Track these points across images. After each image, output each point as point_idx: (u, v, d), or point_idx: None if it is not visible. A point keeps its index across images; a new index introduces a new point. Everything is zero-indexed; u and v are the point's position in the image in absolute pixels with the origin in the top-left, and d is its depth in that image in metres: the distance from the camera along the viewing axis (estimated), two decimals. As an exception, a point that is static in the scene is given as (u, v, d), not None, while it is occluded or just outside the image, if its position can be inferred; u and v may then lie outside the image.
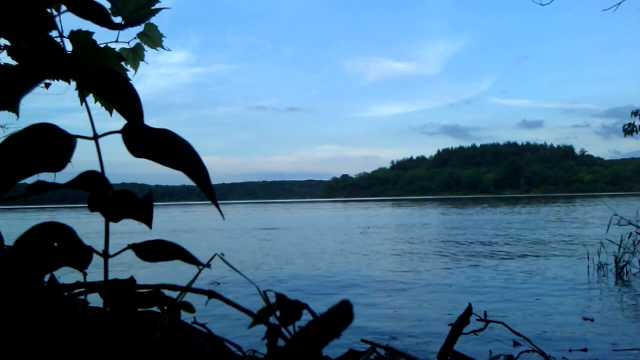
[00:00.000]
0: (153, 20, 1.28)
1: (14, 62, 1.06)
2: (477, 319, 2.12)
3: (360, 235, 15.01)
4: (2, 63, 1.10)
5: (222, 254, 0.93)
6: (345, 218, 27.58)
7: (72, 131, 0.69)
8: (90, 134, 0.71)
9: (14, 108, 1.15)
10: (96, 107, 1.19)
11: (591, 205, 37.14)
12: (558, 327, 4.14)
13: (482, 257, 9.04)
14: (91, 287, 0.84)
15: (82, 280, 0.85)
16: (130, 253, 0.76)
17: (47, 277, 0.88)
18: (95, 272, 0.81)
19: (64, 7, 0.87)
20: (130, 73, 1.42)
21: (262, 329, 0.82)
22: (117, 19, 1.00)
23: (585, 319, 4.44)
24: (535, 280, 6.49)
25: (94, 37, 1.09)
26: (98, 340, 0.65)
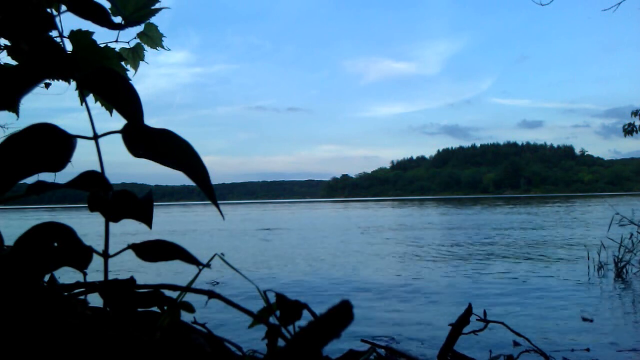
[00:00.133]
0: (153, 20, 1.28)
1: (14, 62, 1.06)
2: (477, 319, 2.12)
3: (361, 235, 15.01)
4: (2, 63, 1.10)
5: (222, 254, 0.93)
6: (346, 218, 27.59)
7: (72, 131, 0.69)
8: (90, 134, 0.71)
9: (14, 108, 1.15)
10: (96, 107, 1.19)
11: (591, 205, 37.15)
12: (558, 327, 4.14)
13: (482, 258, 9.04)
14: (91, 287, 0.84)
15: (82, 280, 0.85)
16: (130, 253, 0.76)
17: (47, 277, 0.88)
18: (95, 273, 0.81)
19: (64, 7, 0.87)
20: (130, 73, 1.42)
21: (262, 329, 0.82)
22: (117, 19, 1.00)
23: (584, 319, 4.44)
24: (535, 280, 6.49)
25: (94, 37, 1.09)
26: (98, 340, 0.65)
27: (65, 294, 0.85)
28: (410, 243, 12.17)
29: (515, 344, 3.52)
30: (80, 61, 1.08)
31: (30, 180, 0.64)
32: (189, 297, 0.83)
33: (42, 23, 0.81)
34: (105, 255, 0.73)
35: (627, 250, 7.08)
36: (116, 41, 1.27)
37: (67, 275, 1.03)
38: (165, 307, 0.80)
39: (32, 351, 0.62)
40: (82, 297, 0.87)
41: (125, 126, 0.71)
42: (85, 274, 0.79)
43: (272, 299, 0.84)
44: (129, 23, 1.05)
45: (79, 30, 1.07)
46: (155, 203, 0.77)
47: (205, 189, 0.72)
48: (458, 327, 1.65)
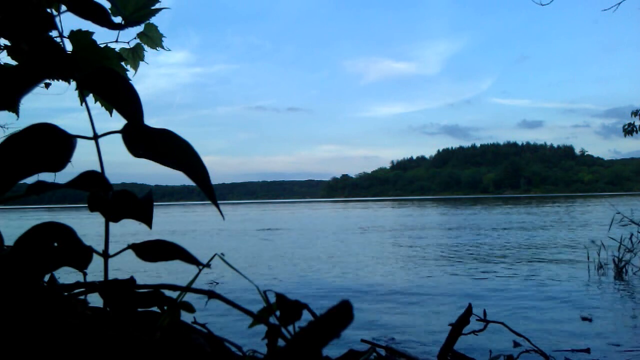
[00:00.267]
0: (153, 20, 1.28)
1: (14, 62, 1.06)
2: (477, 319, 2.12)
3: (361, 236, 15.00)
4: (2, 63, 1.10)
5: (222, 254, 0.93)
6: (346, 218, 27.59)
7: (72, 131, 0.69)
8: (90, 134, 0.71)
9: (14, 108, 1.15)
10: (96, 107, 1.19)
11: (591, 205, 37.15)
12: (558, 327, 4.14)
13: (482, 258, 9.04)
14: (91, 287, 0.84)
15: (82, 280, 0.85)
16: (130, 253, 0.76)
17: (47, 277, 0.88)
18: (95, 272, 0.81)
19: (64, 7, 0.87)
20: (130, 73, 1.42)
21: (262, 329, 0.82)
22: (117, 19, 1.00)
23: (583, 318, 4.44)
24: (535, 280, 6.49)
25: (94, 37, 1.09)
26: (98, 340, 0.65)
27: (65, 294, 0.85)
28: (410, 244, 12.17)
29: (516, 344, 3.52)
30: (80, 61, 1.08)
31: (30, 180, 0.64)
32: (189, 297, 0.83)
33: (42, 23, 0.81)
34: (105, 255, 0.73)
35: (627, 250, 7.08)
36: (116, 41, 1.27)
37: (67, 275, 1.03)
38: (165, 307, 0.80)
39: (33, 351, 0.62)
40: (82, 297, 0.87)
41: (125, 126, 0.71)
42: (85, 274, 0.79)
43: (272, 299, 0.84)
44: (129, 23, 1.05)
45: (79, 30, 1.07)
46: (155, 203, 0.77)
47: (205, 189, 0.72)
48: (458, 327, 1.65)
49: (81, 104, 1.05)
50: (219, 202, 0.75)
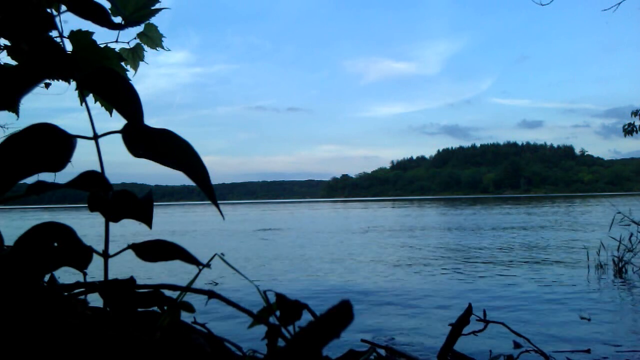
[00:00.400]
0: (153, 20, 1.28)
1: (14, 62, 1.06)
2: (477, 320, 2.12)
3: (361, 236, 15.01)
4: (2, 63, 1.10)
5: (222, 254, 0.93)
6: (345, 219, 27.59)
7: (72, 131, 0.69)
8: (90, 134, 0.71)
9: (14, 108, 1.15)
10: (96, 107, 1.19)
11: (591, 205, 37.15)
12: (558, 327, 4.14)
13: (482, 258, 9.04)
14: (91, 287, 0.84)
15: (82, 280, 0.85)
16: (130, 253, 0.76)
17: (47, 277, 0.88)
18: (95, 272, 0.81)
19: (64, 7, 0.87)
20: (130, 73, 1.42)
21: (262, 329, 0.82)
22: (117, 19, 1.00)
23: (582, 318, 4.44)
24: (535, 280, 6.49)
25: (94, 37, 1.09)
26: (98, 340, 0.65)
27: (65, 294, 0.85)
28: (410, 244, 12.17)
29: (516, 344, 3.52)
30: (80, 61, 1.08)
31: (30, 180, 0.64)
32: (189, 297, 0.83)
33: (42, 23, 0.81)
34: (105, 255, 0.73)
35: (627, 250, 7.08)
36: (116, 41, 1.27)
37: (67, 275, 1.03)
38: (165, 307, 0.80)
39: (33, 351, 0.62)
40: (82, 297, 0.87)
41: (125, 126, 0.71)
42: (85, 274, 0.79)
43: (272, 299, 0.84)
44: (129, 23, 1.05)
45: (79, 30, 1.07)
46: (155, 203, 0.77)
47: (205, 189, 0.72)
48: (458, 327, 1.65)
49: (81, 104, 1.05)
50: (219, 202, 0.75)
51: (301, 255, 10.10)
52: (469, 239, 12.79)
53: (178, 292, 0.83)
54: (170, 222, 27.65)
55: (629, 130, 9.79)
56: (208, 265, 0.78)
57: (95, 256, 0.74)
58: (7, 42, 1.04)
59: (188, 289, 0.84)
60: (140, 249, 0.75)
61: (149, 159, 0.70)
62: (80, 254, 0.71)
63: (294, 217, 31.43)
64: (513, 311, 4.78)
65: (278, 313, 0.82)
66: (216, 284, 6.62)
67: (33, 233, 0.69)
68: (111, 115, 1.26)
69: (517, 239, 12.45)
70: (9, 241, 0.75)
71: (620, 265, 6.92)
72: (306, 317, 0.72)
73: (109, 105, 1.21)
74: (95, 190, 0.70)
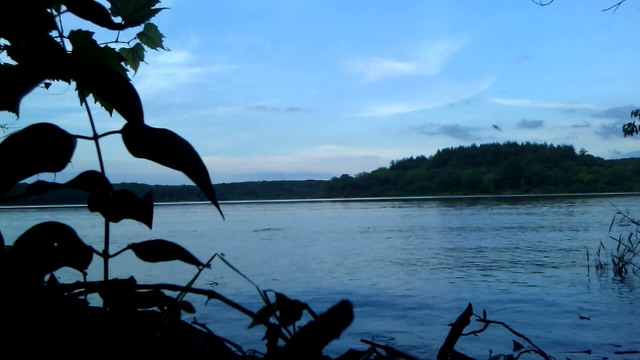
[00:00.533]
0: (153, 20, 1.28)
1: (14, 62, 1.06)
2: (477, 319, 2.12)
3: (360, 236, 15.00)
4: (2, 63, 1.10)
5: (222, 254, 0.93)
6: (345, 219, 27.58)
7: (72, 131, 0.69)
8: (90, 134, 0.71)
9: (14, 108, 1.15)
10: (96, 107, 1.19)
11: (591, 205, 37.14)
12: (558, 327, 4.15)
13: (482, 258, 9.04)
14: (91, 287, 0.84)
15: (82, 280, 0.85)
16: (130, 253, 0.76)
17: (47, 277, 0.88)
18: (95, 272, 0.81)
19: (64, 7, 0.87)
20: (130, 73, 1.42)
21: (262, 329, 0.82)
22: (117, 19, 1.00)
23: (581, 317, 4.45)
24: (535, 281, 6.49)
25: (94, 37, 1.09)
26: (98, 340, 0.65)
27: (65, 294, 0.85)
28: (409, 244, 12.17)
29: (516, 344, 3.52)
30: (80, 61, 1.08)
31: (30, 180, 0.64)
32: (189, 297, 0.83)
33: (42, 23, 0.81)
34: (105, 255, 0.73)
35: (627, 250, 7.08)
36: (116, 41, 1.27)
37: (67, 275, 1.03)
38: (165, 307, 0.80)
39: (33, 351, 0.62)
40: (82, 297, 0.87)
41: (125, 126, 0.71)
42: (85, 274, 0.79)
43: (272, 299, 0.84)
44: (129, 23, 1.05)
45: (79, 30, 1.07)
46: (155, 203, 0.77)
47: (205, 189, 0.72)
48: (458, 327, 1.65)
49: (81, 104, 1.05)
50: (219, 202, 0.75)
51: (301, 255, 10.10)
52: (469, 239, 12.79)
53: (178, 292, 0.83)
54: (170, 222, 27.65)
55: (629, 130, 9.79)
56: (208, 265, 0.78)
57: (95, 256, 0.73)
58: (7, 42, 1.04)
59: (188, 289, 0.84)
60: (140, 249, 0.75)
61: (149, 159, 0.70)
62: (80, 254, 0.71)
63: (294, 217, 31.42)
64: (513, 311, 4.78)
65: (278, 313, 0.82)
66: (216, 284, 6.62)
67: (33, 233, 0.69)
68: (111, 115, 1.26)
69: (517, 239, 12.45)
70: (9, 241, 0.75)
71: (620, 265, 6.92)
72: (306, 317, 0.72)
73: (109, 105, 1.21)
74: (95, 190, 0.70)
